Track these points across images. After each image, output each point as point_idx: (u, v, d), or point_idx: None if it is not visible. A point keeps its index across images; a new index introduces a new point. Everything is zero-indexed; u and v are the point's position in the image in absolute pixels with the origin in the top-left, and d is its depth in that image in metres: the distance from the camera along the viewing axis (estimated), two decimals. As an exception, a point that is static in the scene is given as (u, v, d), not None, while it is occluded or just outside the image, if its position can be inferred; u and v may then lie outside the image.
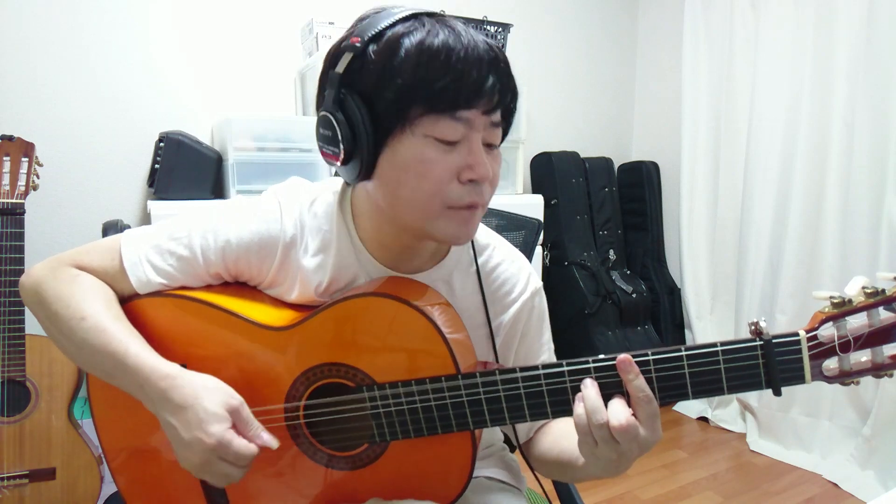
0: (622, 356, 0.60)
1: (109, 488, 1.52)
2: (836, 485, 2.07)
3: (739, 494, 2.04)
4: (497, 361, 0.80)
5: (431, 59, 0.61)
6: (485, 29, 2.11)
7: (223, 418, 0.63)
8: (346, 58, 0.64)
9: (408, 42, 0.62)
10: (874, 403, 2.04)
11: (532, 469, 0.81)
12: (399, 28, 0.63)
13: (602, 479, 0.69)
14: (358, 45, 0.63)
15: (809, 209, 2.24)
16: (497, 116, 0.66)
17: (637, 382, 0.60)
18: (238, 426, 0.65)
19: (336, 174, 0.75)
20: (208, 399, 0.63)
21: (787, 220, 2.29)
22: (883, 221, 2.04)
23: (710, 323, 2.72)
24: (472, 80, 0.62)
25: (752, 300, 2.47)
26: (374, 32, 0.63)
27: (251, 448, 0.64)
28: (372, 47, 0.63)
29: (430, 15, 0.66)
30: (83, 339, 0.68)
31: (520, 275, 0.82)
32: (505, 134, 0.71)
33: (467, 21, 2.13)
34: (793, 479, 2.14)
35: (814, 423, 2.25)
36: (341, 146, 0.65)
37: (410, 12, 0.65)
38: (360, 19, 0.68)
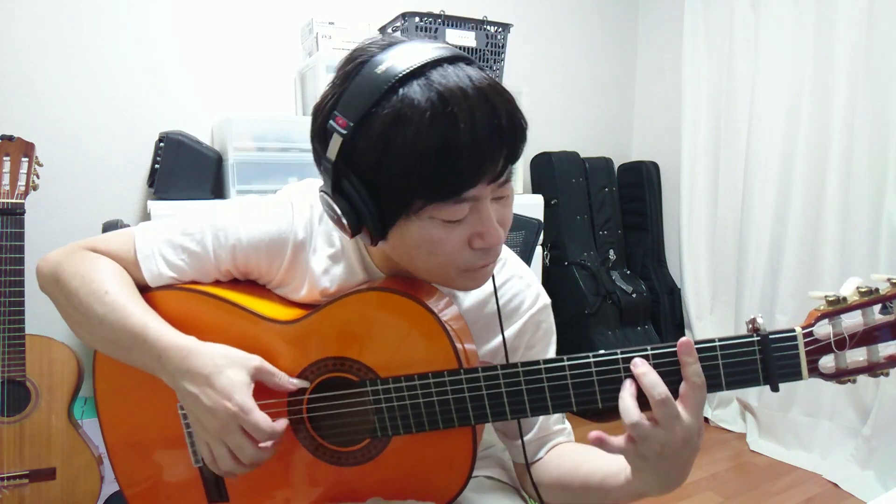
0: (684, 339, 0.60)
1: (109, 488, 1.52)
2: (836, 485, 2.08)
3: (739, 494, 2.04)
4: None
5: (425, 159, 0.57)
6: (485, 29, 2.11)
7: (246, 384, 0.66)
8: (336, 141, 0.60)
9: (400, 139, 0.57)
10: (874, 403, 2.04)
11: (539, 497, 0.78)
12: (387, 113, 0.57)
13: (649, 495, 0.66)
14: (345, 130, 0.59)
15: (809, 209, 2.24)
16: (505, 176, 0.64)
17: (695, 367, 0.59)
18: (265, 381, 0.68)
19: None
20: (229, 366, 0.66)
21: (787, 220, 2.29)
22: (883, 221, 2.04)
23: (710, 323, 2.72)
24: (475, 167, 0.59)
25: (752, 300, 2.46)
26: (359, 116, 0.58)
27: (269, 423, 0.65)
28: (361, 133, 0.59)
29: (417, 74, 0.58)
30: (104, 314, 0.69)
31: (528, 291, 0.82)
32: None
33: (467, 21, 2.14)
34: (793, 479, 2.14)
35: (814, 423, 2.25)
36: (345, 223, 0.63)
37: (395, 78, 0.57)
38: (343, 77, 0.61)
